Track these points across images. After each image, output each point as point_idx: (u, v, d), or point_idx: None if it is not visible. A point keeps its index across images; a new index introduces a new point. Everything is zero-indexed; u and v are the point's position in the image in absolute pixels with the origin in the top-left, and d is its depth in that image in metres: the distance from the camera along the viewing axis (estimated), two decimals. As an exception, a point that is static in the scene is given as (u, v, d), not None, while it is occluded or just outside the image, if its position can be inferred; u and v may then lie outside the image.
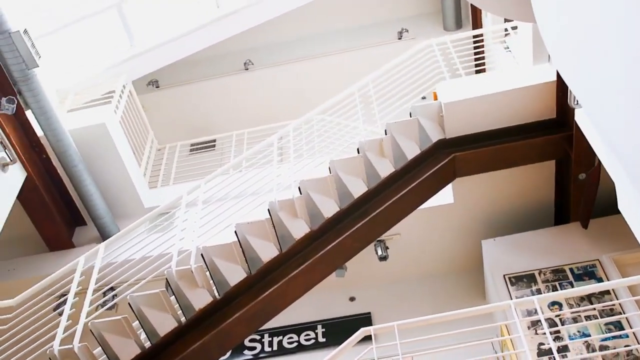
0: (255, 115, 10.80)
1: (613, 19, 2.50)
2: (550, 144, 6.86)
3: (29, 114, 7.63)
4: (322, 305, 8.99)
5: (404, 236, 8.50)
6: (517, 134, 6.84)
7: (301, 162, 6.95)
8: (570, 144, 6.62)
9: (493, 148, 6.85)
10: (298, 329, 8.93)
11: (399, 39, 11.24)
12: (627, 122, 2.72)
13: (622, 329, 6.50)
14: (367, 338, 5.34)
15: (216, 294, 6.15)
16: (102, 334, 5.67)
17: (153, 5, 9.63)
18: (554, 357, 4.98)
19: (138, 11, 9.42)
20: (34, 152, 7.83)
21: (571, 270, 7.34)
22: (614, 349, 6.34)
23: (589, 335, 6.56)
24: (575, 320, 6.70)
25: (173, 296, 5.98)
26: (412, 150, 6.71)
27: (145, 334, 5.92)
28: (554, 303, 6.90)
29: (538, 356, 6.40)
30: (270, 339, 8.89)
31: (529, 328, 6.69)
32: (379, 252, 8.45)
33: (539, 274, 7.37)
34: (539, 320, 5.41)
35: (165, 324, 5.93)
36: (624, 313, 6.53)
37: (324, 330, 8.85)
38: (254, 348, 8.82)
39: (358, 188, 6.50)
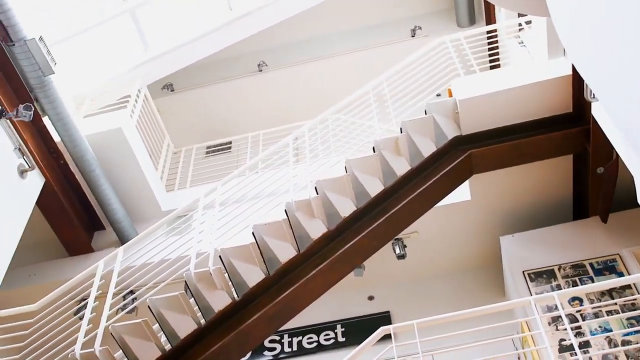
0: (270, 116, 10.83)
1: (628, 10, 2.48)
2: (567, 139, 6.81)
3: (46, 120, 7.70)
4: (341, 304, 8.98)
5: (421, 234, 8.47)
6: (534, 129, 6.80)
7: (317, 162, 6.96)
8: (588, 137, 6.57)
9: (509, 144, 6.82)
10: (317, 329, 8.92)
11: (413, 36, 11.21)
12: (645, 115, 2.69)
13: (644, 323, 6.45)
14: (387, 337, 5.33)
15: (235, 296, 6.16)
16: (123, 337, 5.70)
17: (166, 10, 9.67)
18: (575, 352, 4.94)
19: (151, 16, 9.46)
20: (51, 158, 7.89)
21: (591, 265, 7.28)
22: (637, 343, 6.29)
23: (611, 331, 6.50)
24: (596, 315, 6.64)
25: (192, 298, 6.01)
26: (428, 148, 6.69)
27: (166, 336, 5.95)
28: (574, 298, 6.85)
29: (559, 352, 6.36)
30: (289, 339, 8.89)
31: (549, 324, 6.65)
32: (397, 251, 8.43)
33: (559, 269, 7.32)
34: (560, 316, 5.37)
35: (185, 327, 5.96)
36: (646, 307, 6.48)
37: (343, 329, 8.84)
38: (274, 349, 8.83)
39: (374, 187, 6.49)
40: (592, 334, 6.51)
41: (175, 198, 9.04)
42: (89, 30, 9.04)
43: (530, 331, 6.80)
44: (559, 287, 7.13)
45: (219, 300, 6.06)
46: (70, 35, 8.90)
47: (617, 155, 6.26)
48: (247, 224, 6.21)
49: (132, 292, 6.77)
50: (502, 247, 7.90)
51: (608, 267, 7.21)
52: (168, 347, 5.96)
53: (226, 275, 6.10)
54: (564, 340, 6.42)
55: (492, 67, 8.33)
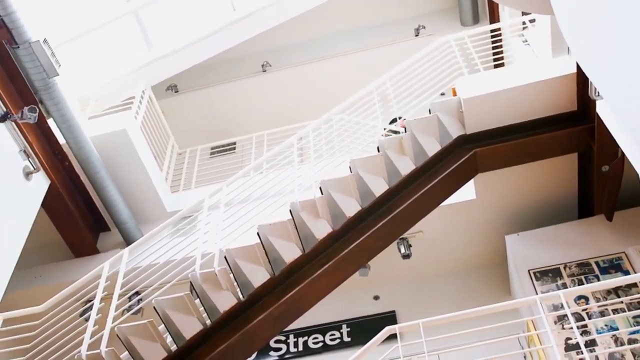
0: (274, 116, 10.83)
1: (632, 7, 2.47)
2: (572, 137, 6.80)
3: (50, 122, 7.72)
4: (347, 304, 8.98)
5: (426, 233, 8.46)
6: (538, 127, 6.79)
7: (321, 162, 6.96)
8: (593, 136, 6.56)
9: (514, 142, 6.81)
10: (323, 328, 8.93)
11: (416, 36, 11.21)
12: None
13: (650, 321, 6.43)
14: (392, 336, 5.32)
15: (240, 296, 6.17)
16: (129, 338, 5.71)
17: (170, 11, 9.68)
18: (581, 351, 4.93)
19: (155, 17, 9.47)
20: (56, 160, 7.91)
21: (597, 263, 7.26)
22: (643, 342, 6.28)
23: (617, 329, 6.49)
24: (602, 314, 6.63)
25: (198, 299, 6.01)
26: (432, 147, 6.69)
27: (171, 337, 5.96)
28: (580, 297, 6.84)
29: (565, 351, 6.35)
30: (295, 339, 8.90)
31: (555, 323, 6.63)
32: (402, 250, 8.42)
33: (564, 268, 7.31)
34: (566, 315, 5.35)
35: (190, 327, 5.96)
36: (652, 305, 6.46)
37: (349, 329, 8.84)
38: (280, 349, 8.84)
39: (379, 186, 6.49)
40: (598, 332, 6.49)
41: (180, 199, 9.05)
42: (93, 32, 9.06)
43: (536, 330, 6.79)
44: (564, 286, 7.11)
45: (225, 301, 6.07)
46: (75, 36, 8.92)
47: (623, 153, 6.24)
48: (252, 224, 6.22)
49: (137, 293, 6.79)
50: (508, 246, 7.89)
51: (614, 266, 7.19)
52: (174, 347, 5.97)
53: (231, 275, 6.10)
54: (570, 339, 6.41)
55: (496, 66, 8.33)
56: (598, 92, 5.70)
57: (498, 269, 8.62)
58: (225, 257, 6.04)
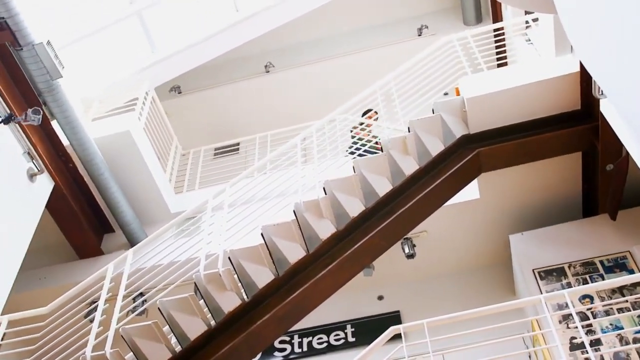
0: (278, 117, 10.83)
1: (635, 6, 2.47)
2: (576, 136, 6.79)
3: (54, 124, 7.73)
4: (351, 304, 8.98)
5: (430, 233, 8.46)
6: (542, 126, 6.78)
7: (325, 162, 6.96)
8: (597, 134, 6.54)
9: (518, 142, 6.80)
10: (327, 329, 8.93)
11: (419, 35, 11.20)
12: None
13: (655, 320, 6.42)
14: (397, 336, 5.32)
15: (245, 297, 6.17)
16: (133, 340, 5.71)
17: (173, 12, 9.69)
18: (586, 350, 4.92)
19: (158, 18, 9.48)
20: (60, 162, 7.92)
21: (601, 262, 7.25)
22: (648, 341, 6.27)
23: (622, 328, 6.48)
24: (607, 313, 6.62)
25: (202, 300, 6.01)
26: (436, 147, 6.68)
27: (176, 338, 5.96)
28: (585, 296, 6.83)
29: (570, 350, 6.34)
30: (300, 339, 8.90)
31: (560, 322, 6.62)
32: (406, 250, 8.42)
33: (569, 267, 7.30)
34: (570, 314, 5.34)
35: (195, 328, 5.97)
36: (657, 304, 6.45)
37: (353, 329, 8.84)
38: (284, 349, 8.84)
39: (383, 186, 6.49)
40: (603, 331, 6.48)
41: (183, 200, 9.05)
42: (96, 33, 9.07)
43: (540, 329, 6.78)
44: (569, 285, 7.10)
45: (229, 302, 6.07)
46: (78, 38, 8.93)
47: (627, 152, 6.22)
48: (256, 225, 6.22)
49: (142, 294, 6.79)
50: (512, 246, 7.89)
51: (618, 265, 7.18)
52: (178, 348, 5.97)
53: (235, 276, 6.10)
54: (575, 338, 6.40)
55: (499, 65, 8.32)
56: (602, 91, 5.68)
57: (502, 269, 8.62)
58: (229, 258, 6.04)
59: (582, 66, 6.34)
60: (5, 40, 6.81)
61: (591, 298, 6.80)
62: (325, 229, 6.30)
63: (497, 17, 9.73)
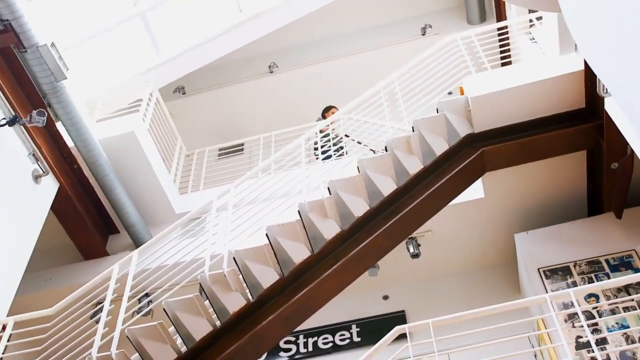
0: (282, 117, 10.84)
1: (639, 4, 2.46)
2: (580, 134, 6.77)
3: (59, 125, 7.75)
4: (356, 304, 8.98)
5: (435, 233, 8.45)
6: (547, 125, 6.77)
7: (329, 162, 6.95)
8: (601, 133, 6.53)
9: (522, 141, 6.79)
10: (333, 329, 8.93)
11: (423, 35, 11.21)
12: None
13: (661, 319, 6.41)
14: (402, 336, 5.32)
15: (250, 297, 6.17)
16: (139, 340, 5.72)
17: (177, 13, 9.70)
18: (592, 349, 4.91)
19: (162, 19, 9.49)
20: (65, 163, 7.94)
21: (607, 261, 7.24)
22: (654, 339, 6.25)
23: (628, 327, 6.46)
24: (613, 312, 6.60)
25: (207, 300, 6.02)
26: (440, 146, 6.68)
27: (181, 338, 5.97)
28: (590, 295, 6.81)
29: (576, 349, 6.32)
30: (305, 340, 8.90)
31: (565, 321, 6.61)
32: (411, 250, 8.41)
33: (574, 266, 7.29)
34: (576, 313, 5.33)
35: (200, 329, 5.97)
36: (663, 303, 6.43)
37: (358, 329, 8.84)
38: (290, 349, 8.84)
39: (387, 186, 6.48)
40: (609, 330, 6.47)
41: (188, 200, 9.07)
42: (100, 35, 9.08)
43: (546, 329, 6.77)
44: (574, 284, 7.09)
45: (234, 302, 6.07)
46: (82, 40, 8.95)
47: (632, 150, 6.21)
48: (261, 225, 6.22)
49: (147, 295, 6.80)
50: (517, 245, 7.87)
51: (624, 263, 7.16)
52: (184, 349, 5.98)
53: (240, 276, 6.11)
54: (581, 337, 6.38)
55: (503, 64, 8.30)
56: (606, 89, 5.67)
57: (507, 268, 8.61)
58: (234, 259, 6.04)
59: (586, 64, 6.33)
60: (10, 43, 6.83)
61: (597, 297, 6.79)
62: (330, 229, 6.30)
63: (501, 16, 9.72)
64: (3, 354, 5.90)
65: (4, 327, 6.12)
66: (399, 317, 8.74)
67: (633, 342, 6.30)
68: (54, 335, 5.91)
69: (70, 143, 7.88)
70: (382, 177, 6.45)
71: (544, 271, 7.33)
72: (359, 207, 6.39)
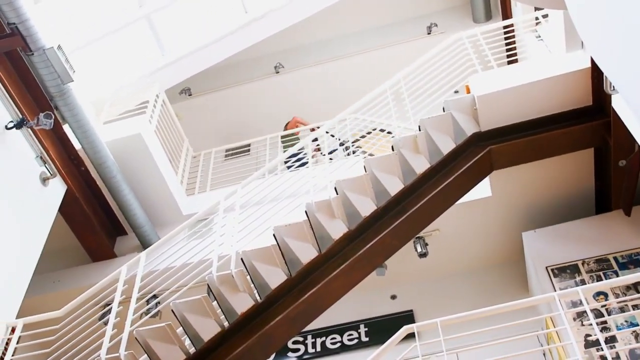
0: (288, 117, 10.84)
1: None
2: (588, 132, 6.75)
3: (66, 128, 7.76)
4: (364, 304, 8.97)
5: (443, 232, 8.44)
6: (554, 123, 6.75)
7: (336, 162, 6.95)
8: (609, 130, 6.51)
9: (530, 139, 6.77)
10: (341, 329, 8.92)
11: (429, 34, 11.19)
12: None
13: (671, 316, 6.38)
14: (410, 336, 5.31)
15: (257, 298, 6.17)
16: (147, 342, 5.73)
17: (182, 15, 9.72)
18: (601, 348, 4.89)
19: (168, 21, 9.51)
20: (72, 165, 7.96)
21: (615, 259, 7.21)
22: (664, 337, 6.23)
23: (637, 325, 6.44)
24: (622, 309, 6.58)
25: (215, 301, 6.03)
26: (447, 145, 6.67)
27: (190, 339, 5.98)
28: (599, 293, 6.79)
29: (585, 348, 6.31)
30: (313, 340, 8.90)
31: (574, 320, 6.59)
32: (419, 249, 8.40)
33: (583, 264, 7.26)
34: (585, 312, 5.32)
35: (208, 330, 5.98)
36: (673, 300, 6.40)
37: (366, 329, 8.83)
38: (298, 350, 8.84)
39: (394, 185, 6.48)
40: (618, 328, 6.44)
41: (195, 202, 9.08)
42: (106, 37, 9.10)
43: (555, 327, 6.75)
44: (583, 282, 7.07)
45: (242, 303, 6.08)
46: (88, 42, 8.97)
47: (639, 147, 6.19)
48: (268, 225, 6.23)
49: (155, 296, 6.82)
50: (525, 243, 7.86)
51: (633, 261, 7.14)
52: (192, 350, 5.99)
53: (248, 277, 6.11)
54: (590, 335, 6.37)
55: (509, 62, 8.30)
56: (613, 86, 5.66)
57: (515, 266, 8.59)
58: (241, 259, 6.05)
59: (593, 62, 6.32)
60: (17, 46, 6.85)
61: (605, 295, 6.76)
62: (337, 229, 6.30)
63: (506, 14, 9.70)
64: (13, 355, 5.92)
65: (13, 330, 6.14)
66: (407, 317, 8.73)
67: (642, 340, 6.29)
68: (63, 337, 5.93)
69: (77, 145, 7.90)
70: (388, 176, 6.45)
71: (552, 269, 7.31)
72: (366, 207, 6.38)
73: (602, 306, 6.67)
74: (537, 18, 8.10)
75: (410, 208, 6.53)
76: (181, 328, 5.93)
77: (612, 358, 6.12)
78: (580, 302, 5.23)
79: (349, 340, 8.78)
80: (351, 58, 11.33)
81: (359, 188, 6.34)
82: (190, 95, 11.65)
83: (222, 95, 11.58)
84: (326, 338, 8.87)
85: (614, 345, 6.26)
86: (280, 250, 6.15)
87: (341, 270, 6.29)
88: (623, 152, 6.60)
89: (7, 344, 6.01)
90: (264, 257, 6.11)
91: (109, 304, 6.27)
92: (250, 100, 11.58)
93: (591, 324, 5.04)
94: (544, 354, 7.45)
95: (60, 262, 8.67)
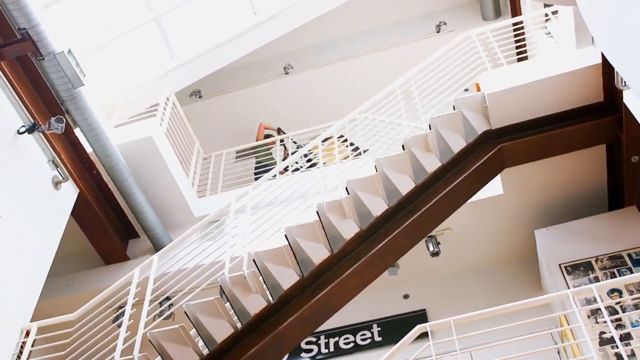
0: (298, 118, 10.86)
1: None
2: (599, 128, 6.72)
3: (77, 131, 7.80)
4: (377, 304, 8.96)
5: (455, 230, 8.42)
6: (565, 120, 6.72)
7: (347, 162, 6.95)
8: (621, 126, 6.47)
9: (541, 136, 6.75)
10: (354, 329, 8.92)
11: (438, 32, 11.16)
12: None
13: (686, 313, 6.33)
14: (424, 335, 5.30)
15: (270, 299, 6.18)
16: (161, 344, 5.75)
17: (191, 17, 9.75)
18: (616, 345, 4.86)
19: (177, 23, 9.54)
20: (84, 169, 7.99)
21: (629, 255, 7.17)
22: (679, 334, 6.18)
23: (652, 322, 6.41)
24: (636, 306, 6.54)
25: (228, 303, 6.04)
26: (457, 144, 6.65)
27: (203, 341, 5.99)
28: (613, 290, 6.75)
29: (600, 345, 6.27)
30: (326, 340, 8.90)
31: (588, 317, 6.55)
32: (431, 248, 8.39)
33: (596, 261, 7.22)
34: (599, 309, 5.28)
35: (221, 331, 5.99)
36: (688, 297, 6.36)
37: (379, 329, 8.82)
38: (311, 350, 8.84)
39: (405, 185, 6.47)
40: (633, 325, 6.41)
41: (207, 203, 9.10)
42: (116, 40, 9.14)
43: (569, 325, 6.71)
44: (596, 279, 7.03)
45: (255, 304, 6.08)
46: (98, 46, 9.01)
47: (652, 143, 6.17)
48: (280, 226, 6.23)
49: (168, 298, 6.84)
50: (537, 241, 7.82)
51: (647, 258, 7.10)
52: (206, 351, 6.00)
53: (260, 278, 6.12)
54: (604, 333, 6.33)
55: (519, 60, 8.27)
56: (625, 82, 5.62)
57: (528, 264, 8.55)
58: (253, 260, 6.05)
59: (604, 57, 6.28)
60: (27, 51, 6.89)
61: (620, 292, 6.72)
62: (348, 229, 6.30)
63: (516, 11, 9.65)
64: (28, 359, 5.96)
65: (27, 333, 6.18)
66: (420, 316, 8.71)
67: (658, 337, 6.24)
68: (77, 340, 5.96)
69: (88, 149, 7.94)
70: (400, 175, 6.44)
71: (566, 267, 7.28)
72: (378, 207, 6.38)
73: (617, 303, 6.63)
74: (546, 14, 8.07)
75: (422, 207, 6.51)
76: (194, 330, 5.95)
77: (627, 355, 6.08)
78: (595, 299, 5.20)
79: (362, 340, 8.78)
80: (360, 57, 11.33)
81: (370, 188, 6.33)
82: (200, 97, 11.67)
83: (232, 97, 11.60)
84: (339, 338, 8.87)
85: (629, 343, 6.23)
86: (292, 250, 6.16)
87: (353, 271, 6.29)
88: (635, 148, 6.56)
89: (22, 347, 6.04)
90: (276, 258, 6.12)
91: (123, 307, 6.29)
92: (260, 101, 11.59)
93: (605, 322, 5.01)
94: (558, 352, 7.41)
95: (74, 266, 8.71)
